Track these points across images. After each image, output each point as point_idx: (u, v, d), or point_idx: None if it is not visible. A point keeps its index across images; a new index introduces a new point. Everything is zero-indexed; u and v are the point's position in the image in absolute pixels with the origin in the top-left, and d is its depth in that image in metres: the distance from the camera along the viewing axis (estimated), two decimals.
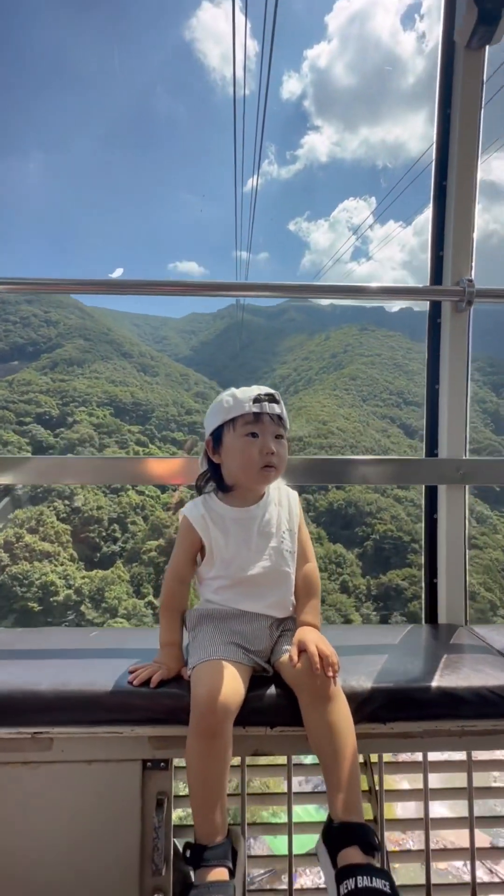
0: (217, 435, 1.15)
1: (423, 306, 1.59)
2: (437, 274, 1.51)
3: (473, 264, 1.48)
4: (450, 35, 1.44)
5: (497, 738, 1.09)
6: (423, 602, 1.55)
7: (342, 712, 0.97)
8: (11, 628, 1.44)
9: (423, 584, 1.57)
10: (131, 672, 1.09)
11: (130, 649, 1.25)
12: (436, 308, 1.53)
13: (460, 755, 1.15)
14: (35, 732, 1.03)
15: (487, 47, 1.42)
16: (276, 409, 1.12)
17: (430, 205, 1.54)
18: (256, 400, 1.10)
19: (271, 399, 1.12)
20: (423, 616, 1.56)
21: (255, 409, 1.10)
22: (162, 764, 1.06)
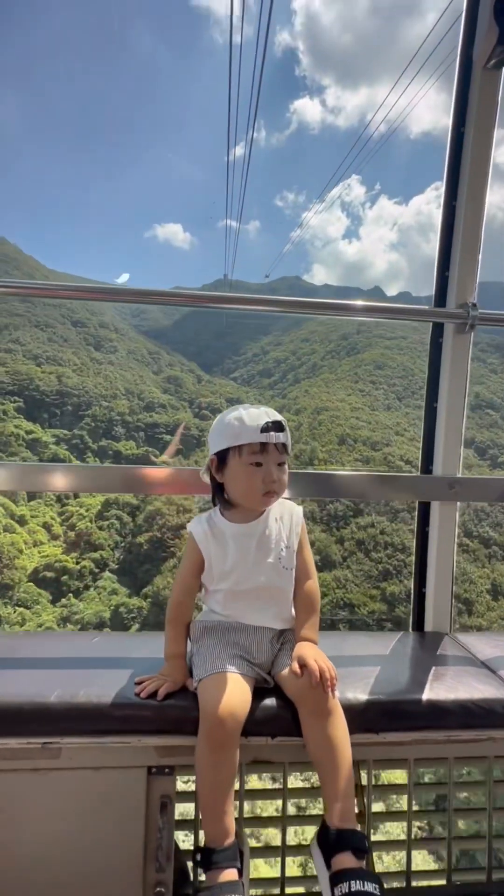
0: (222, 455, 1.16)
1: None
2: (441, 295, 1.54)
3: (476, 288, 1.51)
4: (468, 53, 1.43)
5: (478, 745, 1.18)
6: (411, 610, 1.63)
7: (340, 726, 1.04)
8: (12, 632, 1.44)
9: (412, 593, 1.64)
10: (137, 683, 1.13)
11: (134, 658, 1.28)
12: (438, 328, 1.56)
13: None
14: (45, 742, 1.06)
15: None
16: (282, 437, 1.13)
17: (439, 226, 1.55)
18: (264, 429, 1.11)
19: (278, 427, 1.12)
20: (410, 623, 1.64)
21: (262, 440, 1.11)
22: (166, 770, 1.11)
